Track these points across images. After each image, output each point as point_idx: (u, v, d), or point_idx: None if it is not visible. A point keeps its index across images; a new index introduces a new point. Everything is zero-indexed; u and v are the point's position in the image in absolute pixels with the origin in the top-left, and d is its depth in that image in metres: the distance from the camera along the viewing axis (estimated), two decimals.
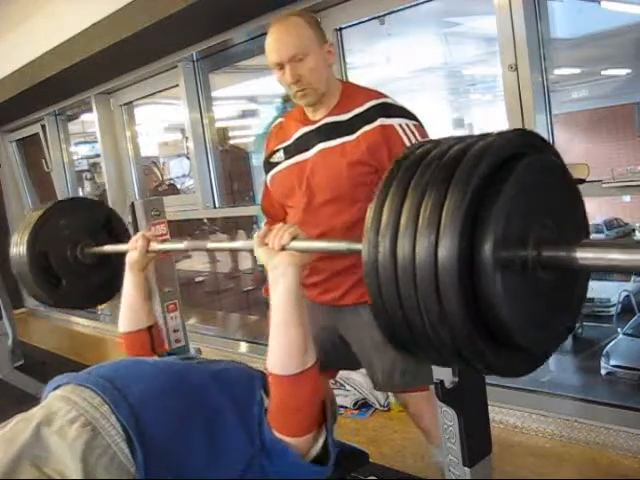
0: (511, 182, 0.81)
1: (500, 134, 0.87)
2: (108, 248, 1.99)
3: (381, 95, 1.69)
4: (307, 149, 1.69)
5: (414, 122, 1.63)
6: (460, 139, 0.87)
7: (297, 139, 1.72)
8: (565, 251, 0.86)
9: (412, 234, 0.80)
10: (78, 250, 2.03)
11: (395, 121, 1.61)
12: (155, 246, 1.67)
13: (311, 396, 1.19)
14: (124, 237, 2.04)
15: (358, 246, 0.93)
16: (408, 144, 1.58)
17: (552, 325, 0.93)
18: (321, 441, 1.20)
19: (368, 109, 1.63)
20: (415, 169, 0.85)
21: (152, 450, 1.09)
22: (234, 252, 5.23)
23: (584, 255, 0.85)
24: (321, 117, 1.68)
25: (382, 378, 1.72)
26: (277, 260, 1.21)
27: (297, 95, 1.65)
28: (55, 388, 1.22)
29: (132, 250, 1.65)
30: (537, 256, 0.85)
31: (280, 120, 1.84)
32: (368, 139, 1.60)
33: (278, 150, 1.76)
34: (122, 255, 1.74)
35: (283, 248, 1.21)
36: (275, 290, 1.21)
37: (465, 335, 0.81)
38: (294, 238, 1.22)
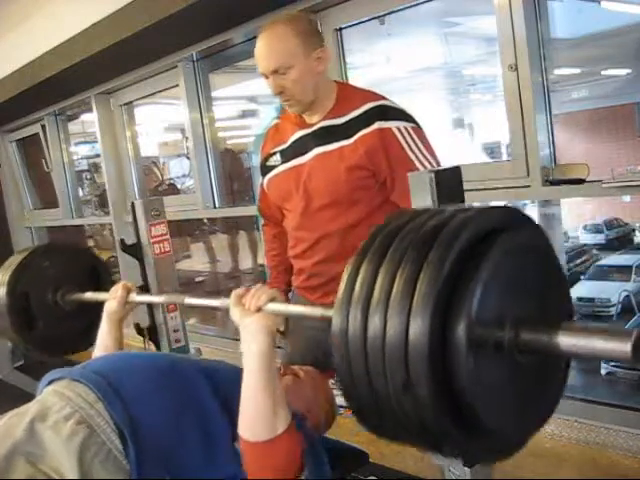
0: (489, 259, 0.77)
1: (480, 209, 0.84)
2: (88, 295, 1.96)
3: (379, 97, 1.66)
4: (304, 153, 1.67)
5: (412, 125, 1.61)
6: (439, 213, 0.84)
7: (293, 142, 1.71)
8: (545, 334, 0.80)
9: (384, 309, 0.77)
10: (59, 295, 2.00)
11: (393, 124, 1.59)
12: (134, 297, 1.67)
13: (283, 466, 1.15)
14: (109, 287, 1.98)
15: (330, 313, 0.88)
16: (406, 147, 1.58)
17: (527, 412, 0.88)
18: None
19: (365, 112, 1.61)
20: (391, 240, 0.82)
21: (145, 447, 1.08)
22: (234, 252, 5.24)
23: (565, 340, 0.79)
24: (317, 120, 1.66)
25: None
26: (249, 321, 1.19)
27: (284, 104, 1.65)
28: (49, 383, 1.22)
29: (111, 300, 1.65)
30: (514, 338, 0.80)
31: (276, 122, 1.82)
32: (366, 143, 1.58)
33: (274, 153, 1.75)
34: (102, 304, 1.72)
35: (259, 309, 1.19)
36: (246, 352, 1.19)
37: (433, 419, 0.76)
38: (271, 300, 1.20)
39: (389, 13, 2.72)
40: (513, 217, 0.86)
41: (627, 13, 2.58)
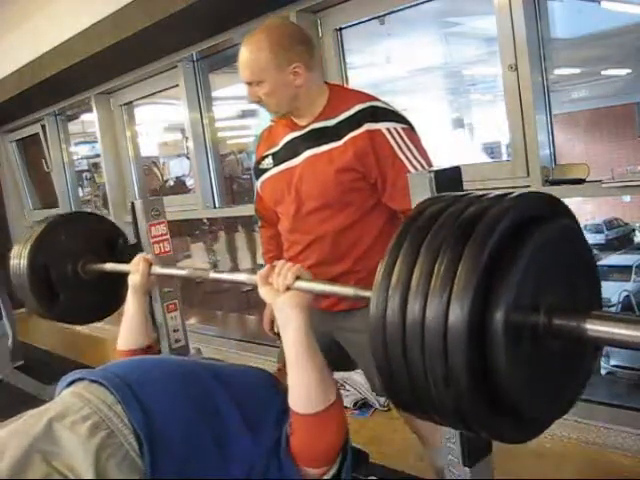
0: (527, 247, 0.80)
1: (518, 196, 0.85)
2: (109, 267, 1.98)
3: (369, 98, 1.64)
4: (295, 155, 1.66)
5: (403, 125, 1.59)
6: (477, 199, 0.86)
7: (285, 145, 1.70)
8: (576, 321, 0.83)
9: (424, 294, 0.79)
10: (79, 265, 2.02)
11: (382, 125, 1.56)
12: (157, 270, 1.67)
13: (334, 434, 1.18)
14: (127, 256, 2.00)
15: (366, 293, 0.92)
16: (396, 149, 1.56)
17: (557, 396, 0.92)
18: (333, 472, 1.19)
19: (355, 113, 1.59)
20: (429, 227, 0.84)
21: (161, 451, 1.09)
22: (234, 252, 5.24)
23: (594, 327, 0.82)
24: (308, 122, 1.65)
25: (379, 383, 1.71)
26: (281, 302, 1.20)
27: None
28: (69, 384, 1.22)
29: (134, 273, 1.66)
30: (548, 324, 0.83)
31: (270, 124, 1.82)
32: (355, 145, 1.56)
33: (267, 156, 1.74)
34: (123, 275, 1.72)
35: (288, 288, 1.20)
36: (285, 332, 1.20)
37: (469, 401, 0.79)
38: (298, 278, 1.21)
39: (389, 13, 2.72)
40: (550, 205, 0.89)
41: (627, 13, 2.58)
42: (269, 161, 1.74)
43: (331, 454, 1.18)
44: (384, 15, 2.75)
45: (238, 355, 3.69)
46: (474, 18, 3.29)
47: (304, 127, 1.66)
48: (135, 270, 1.66)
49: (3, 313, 4.03)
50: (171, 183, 5.31)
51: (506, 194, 0.86)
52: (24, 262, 1.96)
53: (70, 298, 2.03)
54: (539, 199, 0.89)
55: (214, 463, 1.14)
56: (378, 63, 3.55)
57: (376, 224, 1.63)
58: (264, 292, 1.24)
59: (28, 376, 3.64)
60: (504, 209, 0.81)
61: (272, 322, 1.94)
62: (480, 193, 0.89)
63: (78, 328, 5.32)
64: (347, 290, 1.16)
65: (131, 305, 1.65)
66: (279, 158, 1.70)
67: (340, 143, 1.58)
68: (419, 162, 1.57)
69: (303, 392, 1.17)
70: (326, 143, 1.60)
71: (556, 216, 0.88)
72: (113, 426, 1.08)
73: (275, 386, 1.33)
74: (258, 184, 1.80)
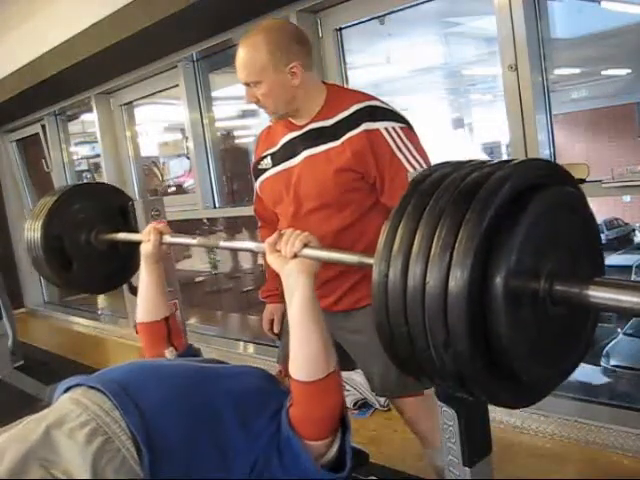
0: (528, 213, 0.80)
1: (520, 163, 0.86)
2: (121, 236, 2.00)
3: (367, 97, 1.63)
4: (293, 156, 1.66)
5: (401, 125, 1.58)
6: (479, 165, 0.86)
7: (283, 145, 1.69)
8: (577, 287, 0.83)
9: (424, 258, 0.80)
10: (92, 235, 2.06)
11: (381, 125, 1.56)
12: (168, 239, 1.65)
13: (335, 401, 1.19)
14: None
15: (369, 260, 0.93)
16: (395, 148, 1.55)
17: (557, 362, 0.92)
18: (336, 447, 1.20)
19: (353, 113, 1.58)
20: (432, 193, 0.85)
21: (160, 457, 1.09)
22: (235, 252, 5.23)
23: (596, 293, 0.82)
24: (306, 122, 1.64)
25: (378, 383, 1.71)
26: (289, 268, 1.21)
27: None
28: (66, 390, 1.22)
29: (146, 242, 1.65)
30: (549, 289, 0.84)
31: (269, 124, 1.81)
32: (353, 145, 1.56)
33: (266, 156, 1.74)
34: (135, 245, 1.71)
35: (295, 255, 1.21)
36: (291, 299, 1.21)
37: (469, 364, 0.80)
38: (306, 245, 1.21)
39: (389, 13, 2.72)
40: (552, 173, 0.89)
41: (627, 13, 2.58)
42: (268, 161, 1.73)
43: (331, 423, 1.19)
44: (384, 15, 2.75)
45: (238, 355, 3.69)
46: (474, 18, 3.30)
47: (302, 127, 1.65)
48: (146, 240, 1.64)
49: (3, 313, 4.02)
50: (169, 189, 5.32)
51: (509, 160, 0.87)
52: (38, 232, 2.00)
53: (83, 267, 2.07)
54: (541, 166, 0.90)
55: (214, 465, 1.13)
56: (378, 63, 3.55)
57: (374, 224, 1.61)
58: (272, 259, 1.25)
59: (28, 376, 3.64)
60: (506, 175, 0.82)
61: (271, 322, 1.94)
62: (483, 160, 0.89)
63: (78, 328, 5.33)
64: (352, 257, 1.18)
65: (144, 275, 1.64)
66: (278, 158, 1.70)
67: (338, 143, 1.58)
68: (417, 161, 1.56)
69: (306, 359, 1.17)
70: (324, 143, 1.60)
71: (558, 183, 0.89)
72: (111, 432, 1.08)
73: (274, 384, 1.33)
74: (257, 184, 1.80)
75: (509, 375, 0.84)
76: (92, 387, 1.18)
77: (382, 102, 1.63)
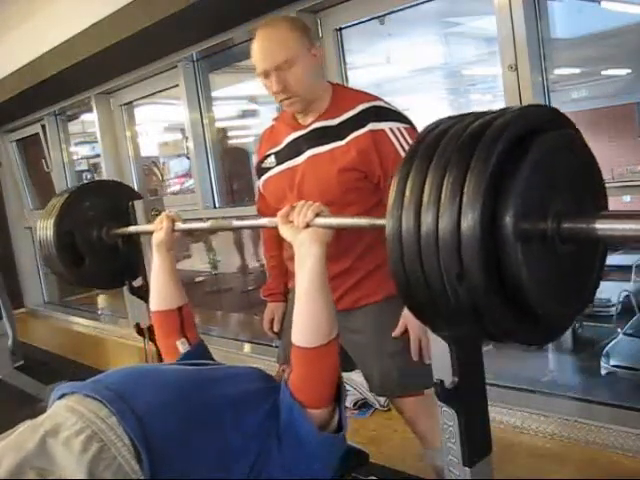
0: (530, 157, 0.83)
1: (521, 109, 0.89)
2: (132, 228, 2.02)
3: (372, 98, 1.65)
4: (298, 155, 1.66)
5: (405, 125, 1.59)
6: (480, 115, 0.89)
7: (288, 144, 1.69)
8: (584, 223, 0.87)
9: (435, 207, 0.83)
10: (103, 231, 2.09)
11: (386, 125, 1.57)
12: (180, 225, 1.65)
13: (334, 367, 1.21)
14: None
15: (381, 222, 0.97)
16: (399, 148, 1.56)
17: (570, 298, 0.95)
18: (337, 418, 1.21)
19: (358, 113, 1.59)
20: (436, 145, 0.87)
21: (160, 462, 1.08)
22: (234, 252, 5.24)
23: (603, 226, 0.86)
24: (311, 121, 1.65)
25: (378, 383, 1.72)
26: (302, 237, 1.23)
27: (284, 103, 1.62)
28: (61, 397, 1.21)
29: (158, 231, 1.65)
30: (557, 228, 0.87)
31: (272, 124, 1.82)
32: (358, 145, 1.57)
33: (269, 155, 1.74)
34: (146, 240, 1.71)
35: (307, 225, 1.23)
36: (302, 266, 1.22)
37: (483, 294, 0.83)
38: (317, 215, 1.23)
39: (389, 13, 2.73)
40: (551, 116, 0.92)
41: (627, 13, 2.59)
42: (272, 160, 1.73)
43: (331, 388, 1.20)
44: (384, 15, 2.75)
45: (238, 355, 3.68)
46: (474, 18, 3.30)
47: (307, 126, 1.66)
48: (159, 228, 1.64)
49: (3, 313, 4.02)
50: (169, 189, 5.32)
51: (509, 107, 0.89)
52: (50, 230, 2.03)
53: (95, 263, 2.10)
54: (541, 111, 0.93)
55: (214, 467, 1.13)
56: (378, 63, 3.55)
57: None
58: (285, 230, 1.27)
59: (28, 376, 3.64)
60: (507, 120, 0.84)
61: (272, 321, 1.94)
62: (484, 110, 0.92)
63: (78, 328, 5.33)
64: (362, 221, 1.23)
65: (157, 264, 1.63)
66: (282, 157, 1.70)
67: (343, 143, 1.59)
68: None
69: (310, 324, 1.19)
70: (328, 143, 1.61)
71: (558, 126, 0.91)
72: (107, 439, 1.07)
73: (271, 384, 1.33)
74: (260, 183, 1.80)
75: (524, 311, 0.86)
76: (87, 395, 1.17)
77: (386, 103, 1.65)
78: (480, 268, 0.80)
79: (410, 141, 1.57)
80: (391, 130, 1.57)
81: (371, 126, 1.56)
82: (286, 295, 1.91)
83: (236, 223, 1.63)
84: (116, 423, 1.09)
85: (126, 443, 1.08)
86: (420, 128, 1.65)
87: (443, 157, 0.85)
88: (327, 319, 1.20)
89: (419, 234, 0.85)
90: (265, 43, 1.56)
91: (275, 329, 1.94)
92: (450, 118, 0.93)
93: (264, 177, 1.77)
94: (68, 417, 1.11)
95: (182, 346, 1.53)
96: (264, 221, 1.48)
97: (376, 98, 1.65)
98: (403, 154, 1.55)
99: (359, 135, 1.57)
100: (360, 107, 1.59)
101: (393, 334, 1.64)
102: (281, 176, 1.70)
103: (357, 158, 1.57)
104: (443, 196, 0.82)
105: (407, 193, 0.87)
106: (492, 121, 0.85)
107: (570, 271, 0.93)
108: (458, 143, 0.85)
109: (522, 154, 0.83)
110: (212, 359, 1.54)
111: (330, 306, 1.21)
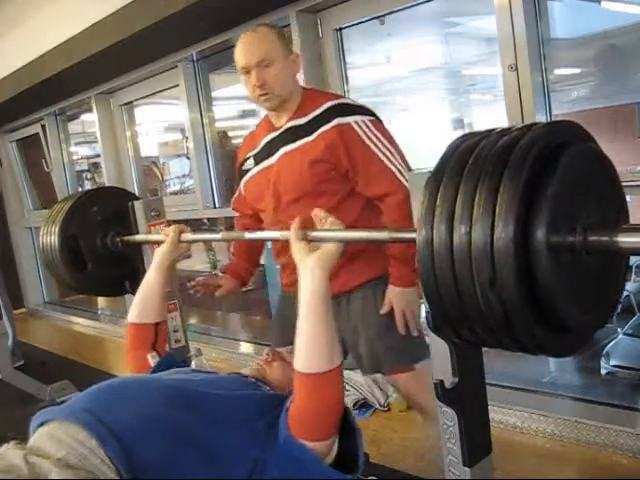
0: (560, 170, 0.86)
1: (546, 125, 0.92)
2: (140, 237, 2.03)
3: (339, 97, 1.82)
4: (272, 154, 1.79)
5: (370, 117, 1.72)
6: (505, 131, 0.91)
7: (264, 146, 1.82)
8: (608, 236, 0.90)
9: (468, 220, 0.85)
10: (109, 238, 2.09)
11: (351, 119, 1.70)
12: (188, 236, 1.63)
13: (336, 397, 1.18)
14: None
15: (400, 234, 1.03)
16: (366, 139, 1.69)
17: (595, 309, 0.98)
18: (335, 447, 1.18)
19: (325, 110, 1.72)
20: (467, 158, 0.89)
21: (144, 477, 1.06)
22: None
23: (627, 239, 0.89)
24: (284, 122, 1.77)
25: (367, 361, 1.80)
26: (308, 262, 1.21)
27: (260, 99, 1.74)
28: (40, 424, 1.19)
29: (163, 240, 1.63)
30: (583, 241, 0.89)
31: (252, 130, 1.96)
32: (326, 138, 1.69)
33: (248, 158, 1.87)
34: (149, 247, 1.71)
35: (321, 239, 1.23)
36: (305, 288, 1.21)
37: (517, 312, 0.84)
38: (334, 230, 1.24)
39: (389, 13, 2.73)
40: (574, 132, 0.96)
41: (627, 13, 2.58)
42: (250, 162, 1.87)
43: (329, 422, 1.16)
44: (384, 15, 2.75)
45: (238, 355, 3.68)
46: (474, 18, 3.29)
47: (280, 127, 1.78)
48: (165, 238, 1.63)
49: (3, 313, 4.01)
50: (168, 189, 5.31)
51: (534, 124, 0.92)
52: (55, 235, 2.03)
53: (97, 269, 2.10)
54: (565, 126, 0.95)
55: (206, 473, 1.12)
56: (378, 63, 3.55)
57: (353, 210, 1.74)
58: (297, 247, 1.24)
59: (28, 376, 3.63)
60: (535, 136, 0.87)
61: (209, 284, 2.02)
62: (506, 127, 0.94)
63: (78, 328, 5.33)
64: (382, 235, 1.25)
65: (152, 277, 1.59)
66: (258, 158, 1.84)
67: (311, 138, 1.71)
68: (389, 150, 1.70)
69: (312, 349, 1.17)
70: (299, 139, 1.73)
71: (579, 140, 0.94)
72: (89, 464, 1.05)
73: (253, 388, 1.32)
74: (241, 185, 1.92)
75: (553, 322, 0.88)
76: (65, 420, 1.13)
77: (352, 100, 1.80)
78: (513, 279, 0.82)
79: (375, 132, 1.70)
80: (356, 123, 1.69)
81: (337, 121, 1.69)
82: (244, 279, 2.05)
83: (248, 235, 1.63)
84: (96, 445, 1.06)
85: (109, 464, 1.04)
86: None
87: (474, 171, 0.87)
88: (329, 343, 1.17)
89: (452, 246, 0.87)
90: (248, 43, 1.74)
91: (202, 290, 2.00)
92: (473, 135, 0.95)
93: (244, 179, 1.90)
94: (48, 444, 1.08)
95: (152, 360, 1.49)
96: (276, 234, 1.48)
97: (342, 97, 1.83)
98: (369, 143, 1.68)
99: (326, 130, 1.70)
100: (326, 105, 1.73)
101: (380, 312, 1.74)
102: (259, 176, 1.83)
103: (325, 150, 1.69)
104: (476, 208, 0.84)
105: (439, 203, 0.89)
106: (520, 137, 0.87)
107: (595, 282, 0.95)
108: (489, 157, 0.87)
109: (552, 168, 0.86)
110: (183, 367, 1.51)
111: (330, 335, 1.18)
